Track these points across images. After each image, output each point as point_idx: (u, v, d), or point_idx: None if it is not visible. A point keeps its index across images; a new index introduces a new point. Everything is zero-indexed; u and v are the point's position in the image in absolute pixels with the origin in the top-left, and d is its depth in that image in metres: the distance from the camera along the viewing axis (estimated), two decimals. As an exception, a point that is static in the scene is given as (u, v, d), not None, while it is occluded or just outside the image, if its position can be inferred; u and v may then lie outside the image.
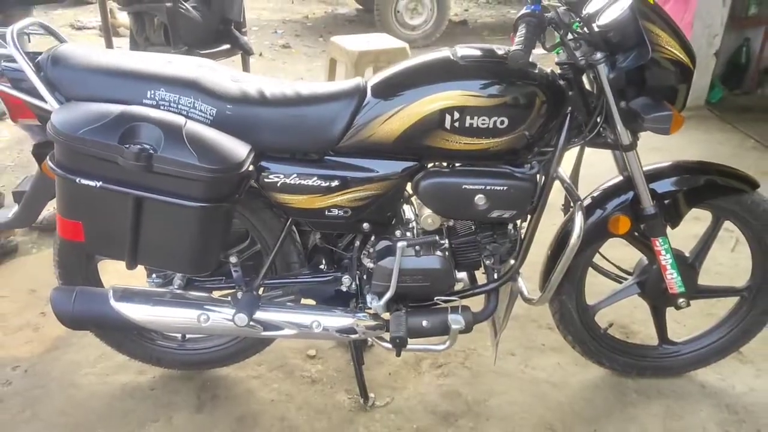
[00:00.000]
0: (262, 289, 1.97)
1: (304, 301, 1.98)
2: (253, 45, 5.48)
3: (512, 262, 1.86)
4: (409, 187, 1.77)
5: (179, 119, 1.59)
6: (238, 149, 1.61)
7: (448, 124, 1.64)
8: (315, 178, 1.73)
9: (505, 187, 1.71)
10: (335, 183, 1.73)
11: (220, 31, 4.12)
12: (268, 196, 1.78)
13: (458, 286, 1.92)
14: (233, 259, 1.91)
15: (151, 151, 1.52)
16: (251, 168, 1.67)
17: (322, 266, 1.94)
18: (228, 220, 1.73)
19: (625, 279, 2.13)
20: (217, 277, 1.98)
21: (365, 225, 1.82)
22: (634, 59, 1.65)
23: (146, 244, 1.65)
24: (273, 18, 7.80)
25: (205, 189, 1.56)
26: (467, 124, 1.64)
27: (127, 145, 1.51)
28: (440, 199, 1.74)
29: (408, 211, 1.92)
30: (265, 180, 1.74)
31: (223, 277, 1.98)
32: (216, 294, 1.95)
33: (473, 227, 1.86)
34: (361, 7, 8.15)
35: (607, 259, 2.15)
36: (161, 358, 2.16)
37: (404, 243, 1.79)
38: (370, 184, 1.73)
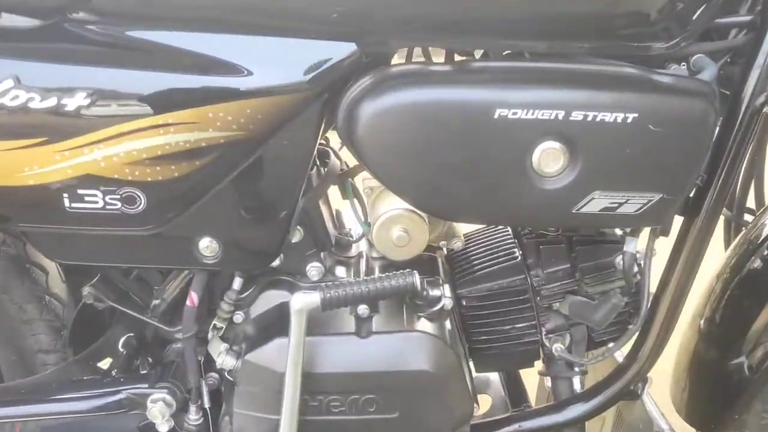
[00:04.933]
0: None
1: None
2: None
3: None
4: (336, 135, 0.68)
5: None
6: None
7: None
8: (9, 84, 0.59)
9: (630, 119, 0.62)
10: (85, 100, 0.60)
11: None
12: None
13: (480, 410, 0.82)
14: None
15: None
16: None
17: (105, 363, 0.82)
18: None
19: None
20: None
21: (205, 242, 0.66)
22: None
23: None
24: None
25: None
26: None
27: None
28: (425, 162, 0.65)
29: (340, 213, 0.82)
30: None
31: None
32: None
33: (518, 251, 0.81)
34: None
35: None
36: None
37: (322, 297, 0.64)
38: (205, 107, 0.61)
